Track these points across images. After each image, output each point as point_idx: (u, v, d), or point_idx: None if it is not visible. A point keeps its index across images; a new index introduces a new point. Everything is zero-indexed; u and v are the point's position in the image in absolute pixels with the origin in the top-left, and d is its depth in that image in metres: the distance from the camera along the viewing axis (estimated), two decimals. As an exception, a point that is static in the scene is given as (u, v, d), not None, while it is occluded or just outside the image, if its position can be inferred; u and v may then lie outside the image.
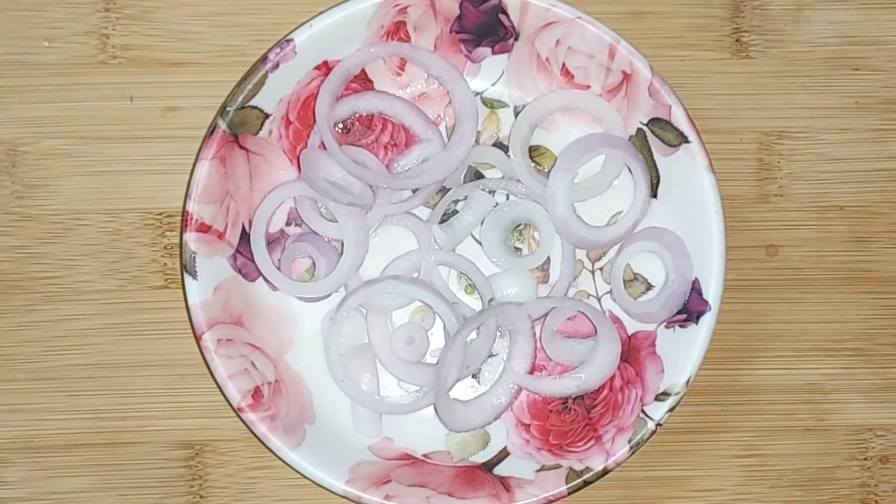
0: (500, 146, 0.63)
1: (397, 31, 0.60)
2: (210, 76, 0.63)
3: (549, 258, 0.63)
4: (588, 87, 0.61)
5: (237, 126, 0.59)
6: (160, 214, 0.63)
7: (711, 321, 0.59)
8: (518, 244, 0.63)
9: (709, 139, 0.59)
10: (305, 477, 0.58)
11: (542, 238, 0.62)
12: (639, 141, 0.61)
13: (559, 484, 0.59)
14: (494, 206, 0.62)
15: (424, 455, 0.61)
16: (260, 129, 0.60)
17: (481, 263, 0.62)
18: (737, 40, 0.65)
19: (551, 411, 0.62)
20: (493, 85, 0.62)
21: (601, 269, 0.63)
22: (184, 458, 0.63)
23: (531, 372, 0.61)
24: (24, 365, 0.63)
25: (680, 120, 0.59)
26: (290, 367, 0.61)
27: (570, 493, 0.59)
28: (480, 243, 0.62)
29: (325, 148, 0.60)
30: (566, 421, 0.61)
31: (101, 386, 0.63)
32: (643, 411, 0.59)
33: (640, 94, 0.59)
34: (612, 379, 0.61)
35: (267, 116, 0.60)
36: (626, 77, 0.60)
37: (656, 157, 0.61)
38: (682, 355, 0.59)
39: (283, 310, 0.62)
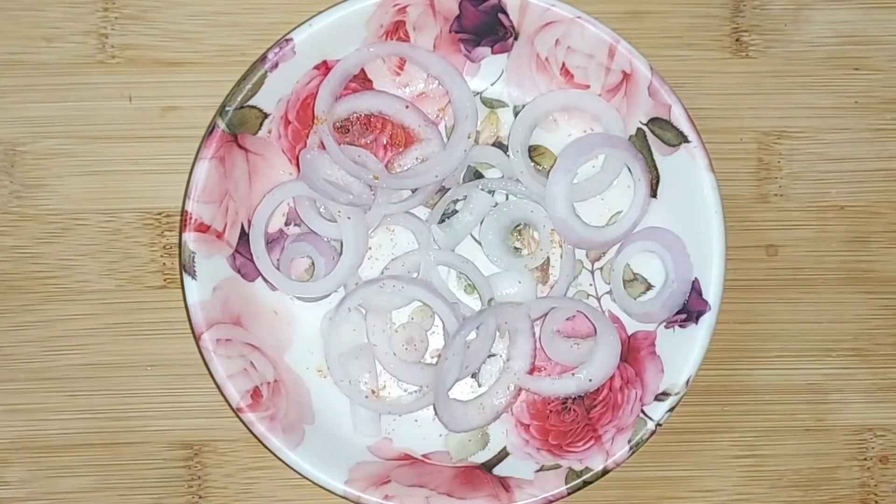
0: (500, 146, 0.62)
1: (396, 30, 0.60)
2: (209, 76, 0.63)
3: (548, 258, 0.62)
4: (587, 86, 0.61)
5: (236, 126, 0.59)
6: (159, 214, 0.63)
7: (711, 321, 0.59)
8: (517, 244, 0.63)
9: (708, 139, 0.59)
10: (305, 477, 0.58)
11: (542, 238, 0.62)
12: (638, 141, 0.61)
13: (559, 484, 0.59)
14: (494, 206, 0.62)
15: (424, 455, 0.61)
16: (259, 128, 0.60)
17: (481, 263, 0.62)
18: (737, 40, 0.65)
19: (551, 411, 0.62)
20: (492, 84, 0.62)
21: (601, 268, 0.63)
22: (183, 458, 0.63)
23: (531, 372, 0.61)
24: (23, 365, 0.63)
25: (680, 119, 0.59)
26: (289, 367, 0.61)
27: (569, 494, 0.59)
28: (480, 243, 0.62)
29: (324, 147, 0.60)
30: (566, 421, 0.61)
31: (100, 386, 0.63)
32: (643, 411, 0.59)
33: (640, 94, 0.59)
34: (611, 379, 0.61)
35: (266, 116, 0.60)
36: (626, 77, 0.59)
37: (656, 156, 0.61)
38: (681, 355, 0.59)
39: (282, 310, 0.62)
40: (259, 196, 0.61)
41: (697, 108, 0.62)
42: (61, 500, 0.63)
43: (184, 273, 0.58)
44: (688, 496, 0.64)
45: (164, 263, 0.63)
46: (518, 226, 0.63)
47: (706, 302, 0.59)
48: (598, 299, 0.63)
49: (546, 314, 0.62)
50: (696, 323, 0.59)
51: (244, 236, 0.61)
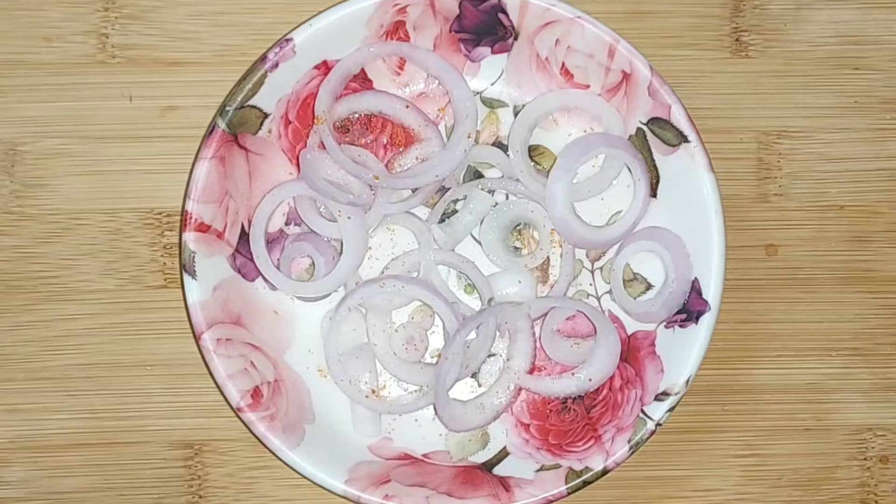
0: (500, 146, 0.62)
1: (396, 30, 0.60)
2: (209, 76, 0.63)
3: (548, 258, 0.62)
4: (587, 86, 0.61)
5: (236, 125, 0.59)
6: (159, 214, 0.63)
7: (711, 321, 0.58)
8: (517, 244, 0.63)
9: (708, 139, 0.59)
10: (305, 477, 0.58)
11: (542, 238, 0.62)
12: (638, 140, 0.61)
13: (558, 484, 0.59)
14: (494, 206, 0.62)
15: (424, 455, 0.61)
16: (259, 128, 0.60)
17: (480, 263, 0.62)
18: (736, 40, 0.65)
19: (551, 411, 0.62)
20: (492, 84, 0.62)
21: (601, 268, 0.63)
22: (183, 457, 0.63)
23: (531, 372, 0.61)
24: (23, 365, 0.63)
25: (679, 119, 0.59)
26: (289, 366, 0.61)
27: (569, 493, 0.59)
28: (480, 243, 0.62)
29: (324, 147, 0.60)
30: (566, 421, 0.61)
31: (100, 386, 0.63)
32: (643, 411, 0.59)
33: (640, 94, 0.59)
34: (611, 379, 0.61)
35: (266, 116, 0.60)
36: (626, 76, 0.60)
37: (656, 156, 0.61)
38: (681, 355, 0.59)
39: (282, 310, 0.62)
40: (259, 196, 0.61)
41: (697, 107, 0.62)
42: (61, 499, 0.63)
43: (184, 273, 0.58)
44: (688, 496, 0.64)
45: (164, 263, 0.63)
46: (518, 225, 0.63)
47: (706, 302, 0.59)
48: (598, 299, 0.63)
49: (546, 314, 0.62)
50: (696, 323, 0.59)
51: (244, 236, 0.61)
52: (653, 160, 0.61)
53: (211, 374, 0.58)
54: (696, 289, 0.59)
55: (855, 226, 0.65)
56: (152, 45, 0.63)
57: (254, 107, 0.59)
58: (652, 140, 0.60)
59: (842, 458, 0.65)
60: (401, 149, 0.62)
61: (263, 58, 0.58)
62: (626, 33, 0.59)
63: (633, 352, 0.61)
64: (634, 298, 0.62)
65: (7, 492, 0.63)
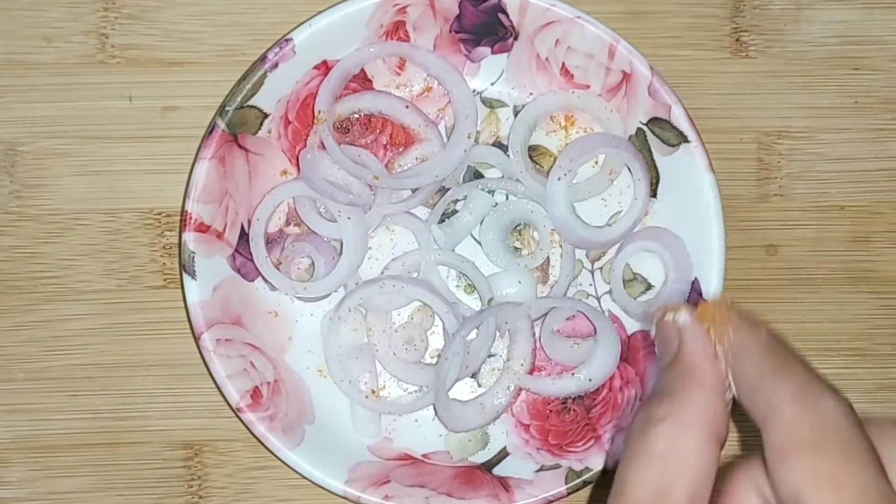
0: (500, 146, 0.62)
1: (396, 30, 0.60)
2: (209, 76, 0.63)
3: (548, 258, 0.62)
4: (587, 86, 0.61)
5: (236, 125, 0.59)
6: (159, 214, 0.63)
7: (711, 321, 0.58)
8: (517, 244, 0.63)
9: (708, 139, 0.59)
10: (304, 477, 0.58)
11: (542, 238, 0.62)
12: (638, 140, 0.61)
13: (558, 484, 0.59)
14: (494, 206, 0.62)
15: (423, 455, 0.61)
16: (259, 128, 0.60)
17: (480, 263, 0.62)
18: (736, 40, 0.65)
19: (551, 411, 0.62)
20: (492, 84, 0.62)
21: (601, 268, 0.63)
22: (183, 458, 0.63)
23: (531, 372, 0.61)
24: (22, 365, 0.62)
25: (679, 119, 0.59)
26: (289, 366, 0.61)
27: (569, 493, 0.59)
28: (480, 243, 0.62)
29: (324, 147, 0.60)
30: (566, 421, 0.61)
31: (100, 386, 0.63)
32: (643, 411, 0.59)
33: (640, 94, 0.59)
34: (611, 379, 0.61)
35: (266, 116, 0.60)
36: (626, 77, 0.59)
37: (656, 156, 0.61)
38: (681, 355, 0.59)
39: (282, 310, 0.62)
40: (259, 196, 0.61)
41: (697, 108, 0.62)
42: (61, 500, 0.63)
43: (184, 273, 0.58)
44: (688, 496, 0.64)
45: (164, 263, 0.63)
46: (518, 226, 0.63)
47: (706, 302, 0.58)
48: (598, 299, 0.63)
49: (546, 314, 0.62)
50: (696, 323, 0.59)
51: (244, 236, 0.61)
52: (653, 160, 0.61)
53: (211, 374, 0.58)
54: (696, 289, 0.59)
55: (855, 226, 0.65)
56: (152, 45, 0.63)
57: (253, 107, 0.59)
58: (652, 140, 0.60)
59: (842, 458, 0.65)
60: (401, 149, 0.62)
61: (263, 58, 0.58)
62: (626, 33, 0.59)
63: (633, 352, 0.61)
64: (634, 298, 0.62)
65: (7, 492, 0.63)
